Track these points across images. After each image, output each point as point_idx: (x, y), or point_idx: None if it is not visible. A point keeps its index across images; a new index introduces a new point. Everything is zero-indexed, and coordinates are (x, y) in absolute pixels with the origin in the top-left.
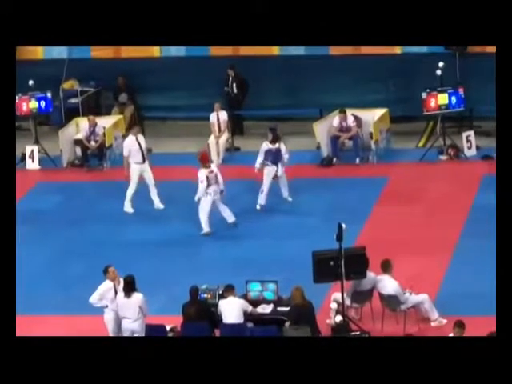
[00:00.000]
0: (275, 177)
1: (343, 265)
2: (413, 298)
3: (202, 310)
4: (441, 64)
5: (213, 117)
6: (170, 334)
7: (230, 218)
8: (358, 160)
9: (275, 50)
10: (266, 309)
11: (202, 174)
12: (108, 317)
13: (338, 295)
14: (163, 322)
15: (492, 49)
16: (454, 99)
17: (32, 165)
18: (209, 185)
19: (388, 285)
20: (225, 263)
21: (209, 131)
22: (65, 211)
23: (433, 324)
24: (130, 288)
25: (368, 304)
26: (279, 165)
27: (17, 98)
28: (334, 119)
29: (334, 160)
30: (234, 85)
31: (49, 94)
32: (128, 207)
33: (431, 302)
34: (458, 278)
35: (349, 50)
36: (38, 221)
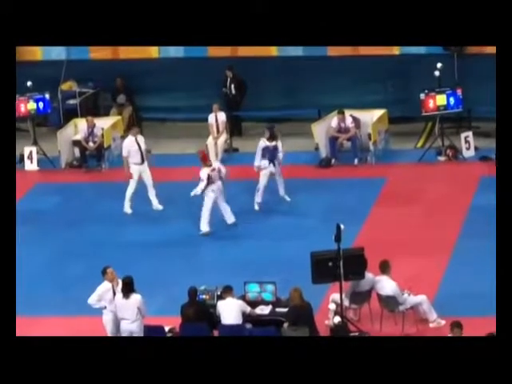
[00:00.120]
0: (271, 175)
1: (342, 266)
2: (411, 299)
3: (200, 311)
4: (439, 65)
5: (211, 118)
6: (169, 335)
7: (229, 219)
8: (356, 161)
9: (273, 51)
10: (264, 310)
11: (204, 172)
12: (106, 318)
13: (336, 296)
14: (162, 322)
15: (490, 49)
16: (452, 100)
17: (30, 166)
18: (211, 182)
19: (386, 286)
20: (223, 264)
21: (207, 132)
22: (63, 212)
23: (431, 325)
24: (128, 289)
25: (366, 305)
26: (275, 163)
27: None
28: (333, 120)
29: (333, 161)
30: (233, 86)
31: (47, 95)
32: (127, 208)
33: (430, 303)
34: (456, 279)
35: (347, 50)
36: (37, 222)
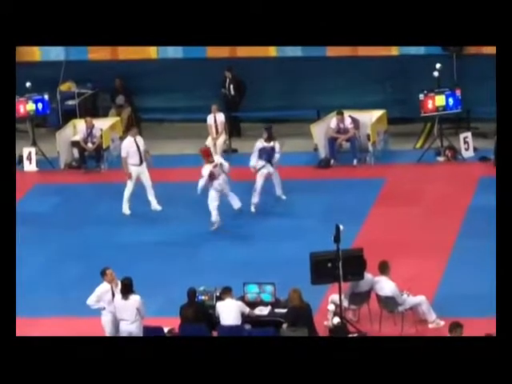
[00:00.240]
0: (268, 175)
1: (341, 266)
2: (410, 300)
3: (199, 312)
4: (438, 65)
5: (210, 119)
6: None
7: (236, 204)
8: (355, 161)
9: (272, 52)
10: (263, 311)
11: (206, 169)
12: (105, 319)
13: (335, 297)
14: (161, 323)
15: (489, 50)
16: (451, 101)
17: (29, 167)
18: (214, 179)
19: (385, 286)
20: (222, 265)
21: (206, 133)
22: (62, 213)
23: (430, 326)
24: (127, 290)
25: (366, 305)
26: (272, 163)
27: None
28: (332, 121)
29: (332, 161)
30: (231, 86)
31: (46, 96)
32: (125, 209)
33: (429, 304)
34: (455, 280)
35: (346, 51)
36: (36, 223)
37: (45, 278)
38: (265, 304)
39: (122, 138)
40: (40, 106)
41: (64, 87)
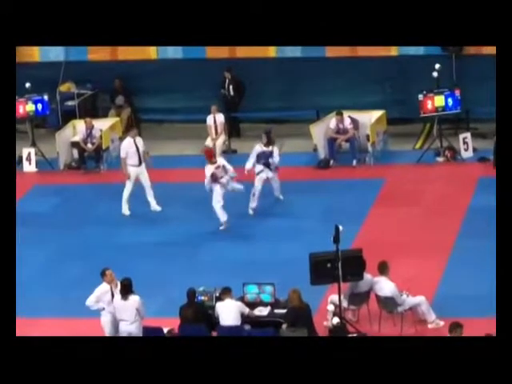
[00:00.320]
0: (267, 179)
1: (340, 267)
2: (410, 300)
3: (199, 313)
4: (437, 66)
5: (209, 119)
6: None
7: (238, 187)
8: (354, 162)
9: (272, 52)
10: (263, 311)
11: (208, 170)
12: (105, 319)
13: (335, 297)
14: (160, 324)
15: (488, 50)
16: (450, 101)
17: (29, 167)
18: (216, 179)
19: (385, 287)
20: (222, 265)
21: (206, 133)
22: (62, 213)
23: (430, 326)
24: (127, 290)
25: (365, 306)
26: (271, 168)
27: None
28: (331, 121)
29: (331, 162)
30: (231, 87)
31: (46, 97)
32: (125, 209)
33: (428, 304)
34: (455, 280)
35: (345, 51)
36: (36, 223)
37: (44, 279)
38: (264, 304)
39: (121, 139)
40: (39, 106)
41: (64, 88)
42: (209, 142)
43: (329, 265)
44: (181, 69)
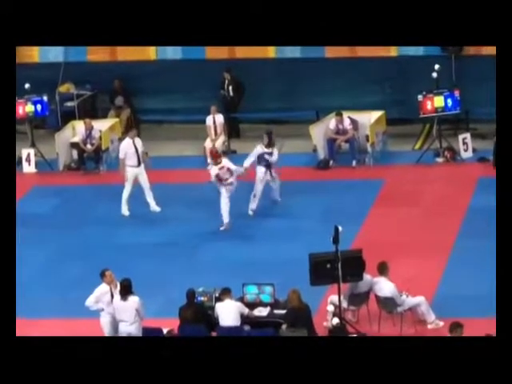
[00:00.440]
0: (267, 181)
1: (340, 267)
2: (409, 301)
3: (198, 313)
4: (437, 66)
5: (209, 120)
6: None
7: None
8: (354, 162)
9: (271, 53)
10: (262, 311)
11: (213, 171)
12: (104, 320)
13: (334, 298)
14: (160, 324)
15: (487, 50)
16: (449, 101)
17: (28, 168)
18: (221, 180)
19: (384, 287)
20: (221, 266)
21: (205, 134)
22: (61, 214)
23: (429, 326)
24: (126, 291)
25: (365, 306)
26: (272, 169)
27: None
28: (331, 122)
29: (331, 162)
30: (230, 88)
31: (45, 98)
32: (124, 210)
33: (428, 305)
34: (454, 280)
35: (344, 52)
36: (35, 224)
37: (44, 279)
38: (264, 305)
39: (121, 140)
40: (39, 107)
41: (63, 88)
42: (208, 143)
43: (328, 265)
44: (180, 69)
